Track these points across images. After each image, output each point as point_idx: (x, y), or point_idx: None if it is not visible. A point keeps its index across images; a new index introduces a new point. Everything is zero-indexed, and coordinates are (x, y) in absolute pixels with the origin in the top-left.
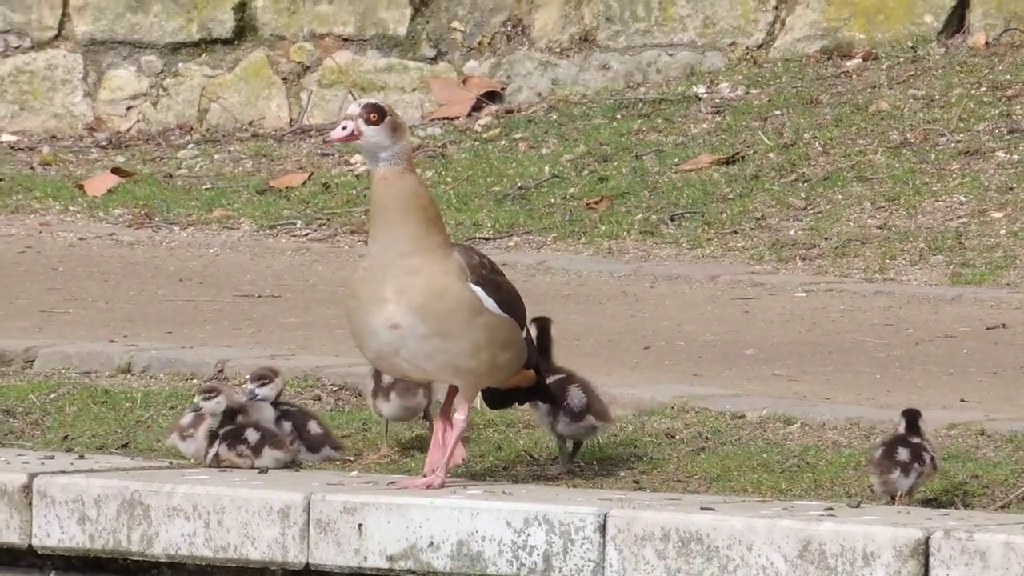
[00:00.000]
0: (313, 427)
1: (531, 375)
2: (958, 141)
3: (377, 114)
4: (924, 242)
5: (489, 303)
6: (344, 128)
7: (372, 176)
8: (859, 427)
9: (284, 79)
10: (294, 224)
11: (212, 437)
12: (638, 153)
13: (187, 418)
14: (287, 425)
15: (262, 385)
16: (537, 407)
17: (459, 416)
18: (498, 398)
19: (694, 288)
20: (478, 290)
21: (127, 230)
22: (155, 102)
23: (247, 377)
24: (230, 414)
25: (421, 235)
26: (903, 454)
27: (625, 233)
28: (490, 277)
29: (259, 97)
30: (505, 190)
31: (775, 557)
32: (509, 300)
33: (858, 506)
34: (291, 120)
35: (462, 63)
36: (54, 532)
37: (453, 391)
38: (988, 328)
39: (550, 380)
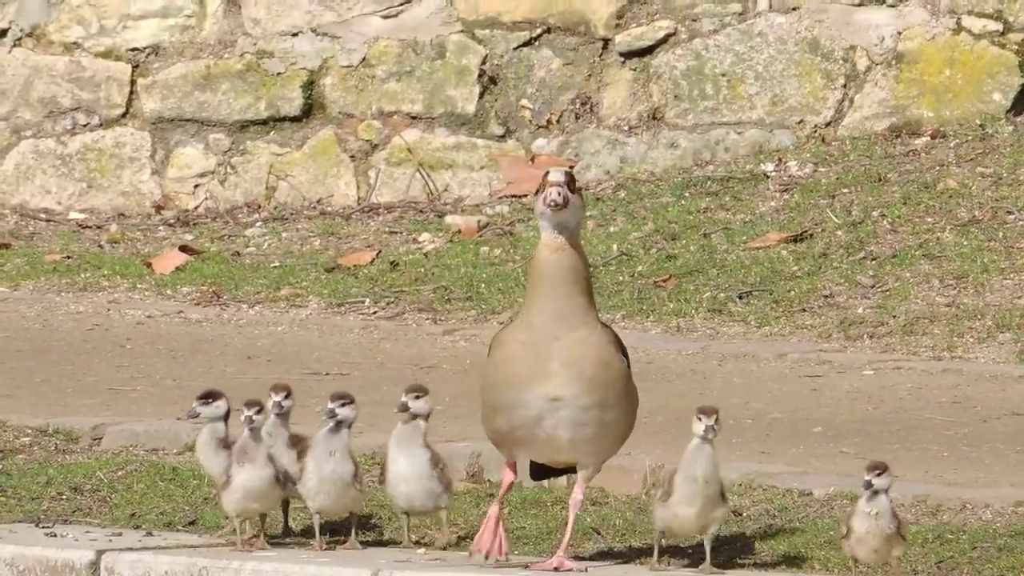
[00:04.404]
0: None
1: None
2: None
3: (574, 181)
4: (992, 320)
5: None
6: (560, 194)
7: (547, 245)
8: (926, 504)
9: (352, 157)
10: (362, 302)
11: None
12: (706, 231)
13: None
14: None
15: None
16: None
17: (578, 495)
18: (542, 471)
19: (762, 366)
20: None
21: (195, 308)
22: (223, 180)
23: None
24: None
25: (586, 308)
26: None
27: (693, 311)
28: (624, 349)
29: (327, 175)
30: None
31: None
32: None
33: None
34: (359, 198)
35: (530, 141)
36: None
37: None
38: None
39: None
